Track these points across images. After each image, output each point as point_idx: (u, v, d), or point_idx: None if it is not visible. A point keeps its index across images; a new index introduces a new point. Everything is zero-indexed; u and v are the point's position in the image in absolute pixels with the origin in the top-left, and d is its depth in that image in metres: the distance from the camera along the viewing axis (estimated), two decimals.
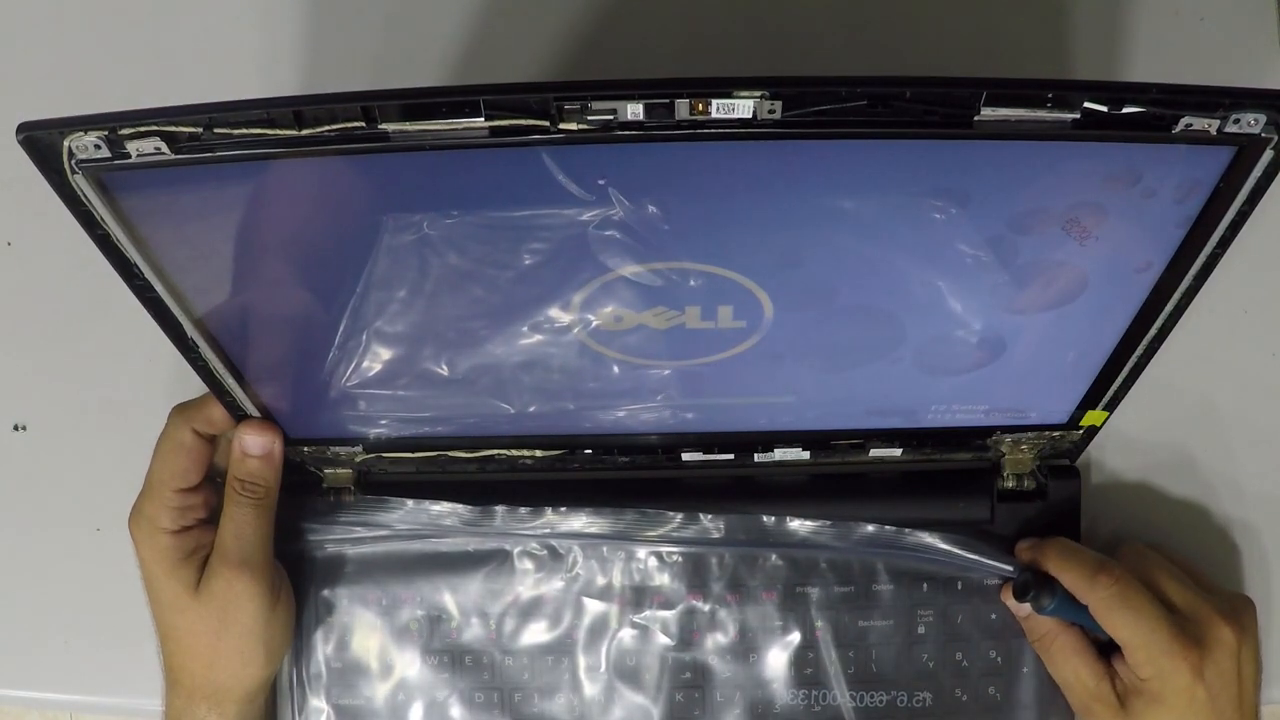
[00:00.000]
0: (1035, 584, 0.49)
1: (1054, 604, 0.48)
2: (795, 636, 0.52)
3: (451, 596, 0.53)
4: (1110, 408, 0.49)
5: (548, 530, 0.52)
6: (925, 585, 0.52)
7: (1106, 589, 0.47)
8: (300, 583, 0.53)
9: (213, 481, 0.51)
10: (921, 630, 0.52)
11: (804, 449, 0.52)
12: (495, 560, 0.53)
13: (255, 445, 0.48)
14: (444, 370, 0.46)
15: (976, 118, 0.34)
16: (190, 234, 0.39)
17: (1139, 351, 0.45)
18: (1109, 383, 0.47)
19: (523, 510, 0.52)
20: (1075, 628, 0.49)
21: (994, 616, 0.52)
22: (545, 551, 0.53)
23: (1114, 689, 0.48)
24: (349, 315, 0.43)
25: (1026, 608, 0.50)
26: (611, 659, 0.53)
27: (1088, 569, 0.48)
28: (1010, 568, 0.52)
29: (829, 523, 0.52)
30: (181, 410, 0.49)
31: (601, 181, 0.37)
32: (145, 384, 0.56)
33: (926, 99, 0.34)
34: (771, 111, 0.33)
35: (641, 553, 0.53)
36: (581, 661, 0.53)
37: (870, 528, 0.52)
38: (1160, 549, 0.51)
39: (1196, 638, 0.46)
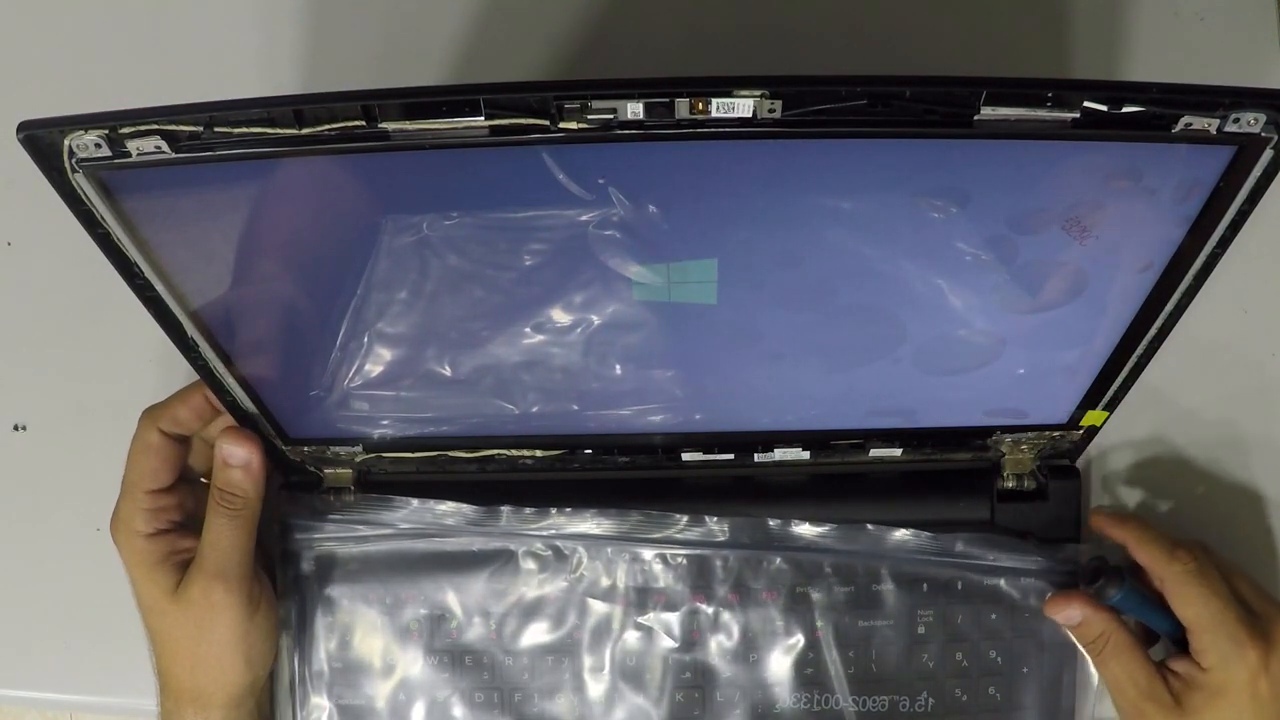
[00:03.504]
0: (1105, 573, 0.49)
1: (1120, 594, 0.48)
2: (797, 638, 0.52)
3: (455, 596, 0.53)
4: (1110, 408, 0.49)
5: (552, 531, 0.52)
6: (925, 586, 0.52)
7: (1185, 564, 0.47)
8: (303, 580, 0.53)
9: (191, 484, 0.51)
10: (922, 631, 0.52)
11: (804, 449, 0.52)
12: (500, 560, 0.53)
13: (235, 456, 0.48)
14: (444, 371, 0.46)
15: (976, 117, 0.34)
16: (191, 233, 0.40)
17: (1139, 351, 0.45)
18: (1109, 383, 0.47)
19: (528, 511, 0.52)
20: (1127, 631, 0.49)
21: (994, 617, 0.52)
22: (550, 552, 0.53)
23: (1168, 687, 0.48)
24: (349, 316, 0.43)
25: (1076, 615, 0.49)
26: (615, 660, 0.53)
27: (1167, 544, 0.48)
28: (1013, 565, 0.51)
29: (834, 526, 0.52)
30: (149, 412, 0.49)
31: (601, 181, 0.37)
32: (145, 384, 0.56)
33: (926, 98, 0.34)
34: (771, 111, 0.33)
35: (646, 554, 0.53)
36: (585, 662, 0.53)
37: (875, 531, 0.52)
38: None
39: (1263, 632, 0.46)
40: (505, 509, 0.52)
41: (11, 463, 0.58)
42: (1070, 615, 0.50)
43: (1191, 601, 0.47)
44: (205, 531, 0.48)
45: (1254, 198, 0.37)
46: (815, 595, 0.52)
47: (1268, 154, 0.35)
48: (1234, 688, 0.46)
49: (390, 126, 0.34)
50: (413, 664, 0.53)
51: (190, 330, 0.43)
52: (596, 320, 0.44)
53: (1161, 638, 0.50)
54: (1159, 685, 0.48)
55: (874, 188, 0.38)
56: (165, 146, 0.34)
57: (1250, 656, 0.46)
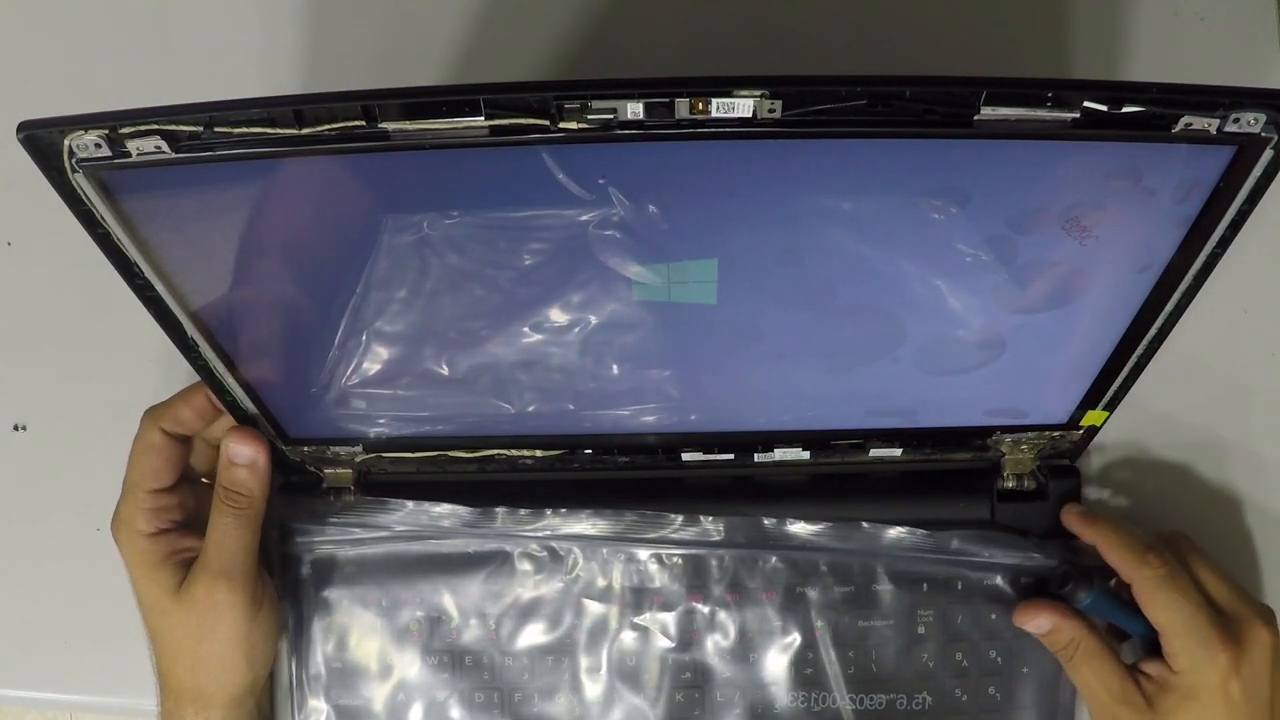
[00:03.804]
0: (1074, 577, 0.49)
1: (1090, 598, 0.48)
2: (795, 637, 0.52)
3: (451, 597, 0.53)
4: (1110, 408, 0.49)
5: (548, 532, 0.52)
6: (925, 586, 0.52)
7: (1155, 569, 0.47)
8: (300, 583, 0.53)
9: (193, 484, 0.51)
10: (921, 631, 0.52)
11: (804, 449, 0.52)
12: (495, 561, 0.53)
13: (241, 455, 0.48)
14: (444, 370, 0.46)
15: (976, 117, 0.34)
16: (191, 233, 0.40)
17: (1139, 351, 0.45)
18: (1109, 383, 0.47)
19: (523, 512, 0.52)
20: (1098, 636, 0.49)
21: (994, 617, 0.52)
22: (545, 553, 0.53)
23: (1140, 690, 0.48)
24: (349, 315, 0.43)
25: (1045, 624, 0.49)
26: (612, 660, 0.53)
27: (1138, 547, 0.47)
28: (1011, 562, 0.51)
29: (829, 524, 0.52)
30: (150, 411, 0.49)
31: (601, 181, 0.37)
32: (145, 384, 0.56)
33: (926, 98, 0.34)
34: (771, 111, 0.33)
35: (642, 554, 0.53)
36: (582, 663, 0.53)
37: (870, 529, 0.52)
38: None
39: (1235, 634, 0.46)
40: (500, 510, 0.52)
41: (11, 463, 0.58)
42: (1039, 624, 0.49)
43: (1162, 606, 0.46)
44: (210, 530, 0.48)
45: (1254, 198, 0.37)
46: (812, 594, 0.52)
47: (1268, 154, 0.35)
48: (1206, 690, 0.46)
49: (390, 126, 0.34)
50: (410, 665, 0.53)
51: (190, 330, 0.43)
52: (596, 320, 0.44)
53: (1132, 636, 0.50)
54: (1131, 689, 0.48)
55: (874, 188, 0.38)
56: (165, 146, 0.34)
57: (1221, 659, 0.46)
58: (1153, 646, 0.49)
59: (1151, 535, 0.49)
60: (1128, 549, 0.48)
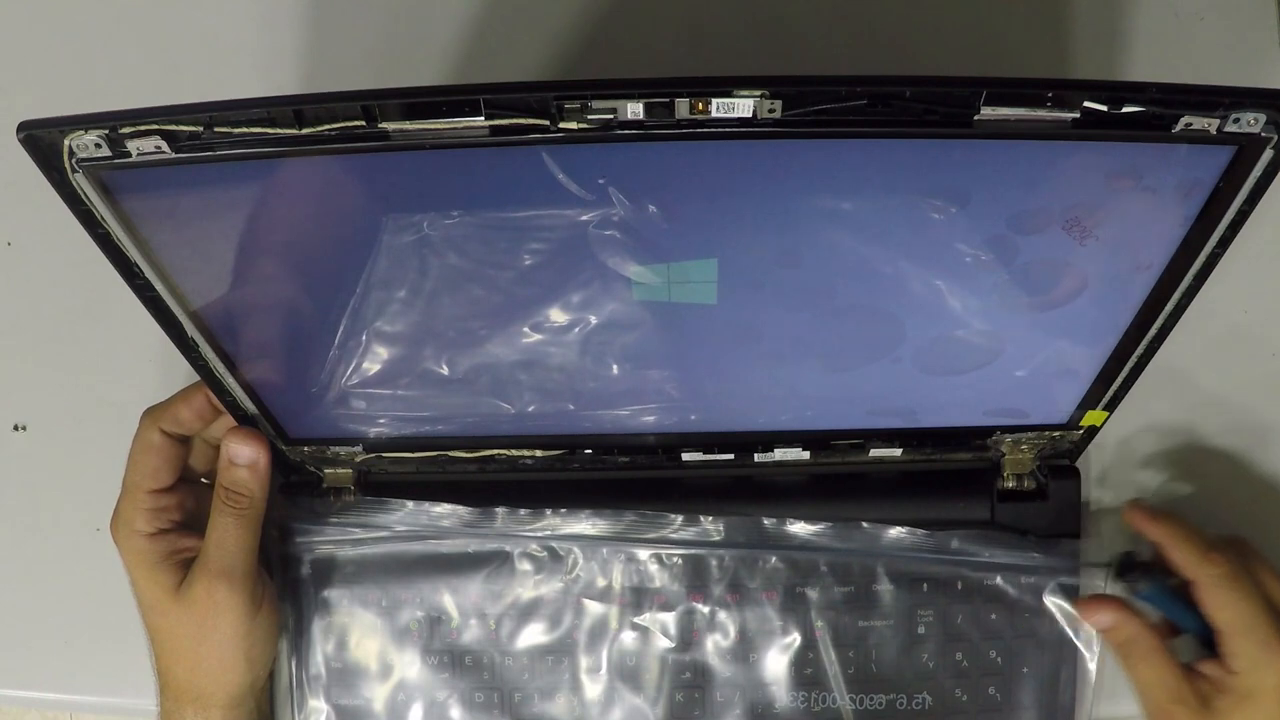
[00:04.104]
0: (1135, 566, 0.49)
1: (1150, 588, 0.49)
2: (795, 637, 0.52)
3: (451, 597, 0.53)
4: (1110, 408, 0.49)
5: (548, 532, 0.52)
6: (925, 586, 0.52)
7: (1218, 567, 0.47)
8: (300, 583, 0.53)
9: (193, 484, 0.51)
10: (921, 631, 0.52)
11: (804, 449, 0.52)
12: (495, 561, 0.53)
13: (241, 455, 0.48)
14: (444, 370, 0.46)
15: (976, 117, 0.34)
16: (191, 233, 0.40)
17: (1139, 351, 0.45)
18: (1109, 383, 0.47)
19: (523, 512, 0.52)
20: (1157, 635, 0.49)
21: (994, 617, 0.52)
22: (545, 553, 0.53)
23: (1196, 690, 0.47)
24: (349, 315, 0.43)
25: (1107, 619, 0.49)
26: (612, 660, 0.53)
27: (1202, 545, 0.47)
28: (1011, 562, 0.51)
29: (829, 524, 0.52)
30: (149, 412, 0.49)
31: (601, 181, 0.37)
32: (145, 384, 0.56)
33: (926, 98, 0.34)
34: (771, 111, 0.33)
35: (642, 554, 0.53)
36: (582, 663, 0.53)
37: (870, 529, 0.52)
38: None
39: None
40: (500, 510, 0.52)
41: (11, 463, 0.58)
42: (1100, 620, 0.50)
43: (1223, 606, 0.46)
44: (210, 530, 0.48)
45: (1254, 198, 0.37)
46: (812, 594, 0.52)
47: (1268, 154, 0.35)
48: (1263, 692, 0.46)
49: (390, 126, 0.34)
50: (410, 665, 0.53)
51: (190, 330, 0.43)
52: (596, 320, 0.44)
53: (1185, 633, 0.50)
54: (1187, 688, 0.47)
55: (874, 188, 0.38)
56: (165, 146, 0.34)
57: (1279, 663, 0.46)
58: (1206, 646, 0.49)
59: (1213, 537, 0.49)
60: (1192, 546, 0.48)
